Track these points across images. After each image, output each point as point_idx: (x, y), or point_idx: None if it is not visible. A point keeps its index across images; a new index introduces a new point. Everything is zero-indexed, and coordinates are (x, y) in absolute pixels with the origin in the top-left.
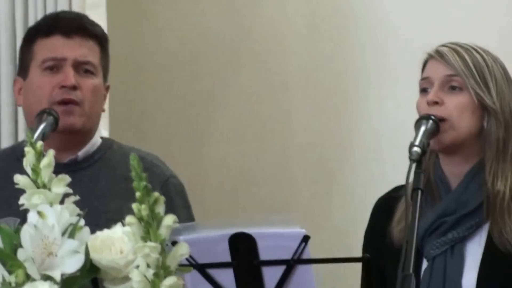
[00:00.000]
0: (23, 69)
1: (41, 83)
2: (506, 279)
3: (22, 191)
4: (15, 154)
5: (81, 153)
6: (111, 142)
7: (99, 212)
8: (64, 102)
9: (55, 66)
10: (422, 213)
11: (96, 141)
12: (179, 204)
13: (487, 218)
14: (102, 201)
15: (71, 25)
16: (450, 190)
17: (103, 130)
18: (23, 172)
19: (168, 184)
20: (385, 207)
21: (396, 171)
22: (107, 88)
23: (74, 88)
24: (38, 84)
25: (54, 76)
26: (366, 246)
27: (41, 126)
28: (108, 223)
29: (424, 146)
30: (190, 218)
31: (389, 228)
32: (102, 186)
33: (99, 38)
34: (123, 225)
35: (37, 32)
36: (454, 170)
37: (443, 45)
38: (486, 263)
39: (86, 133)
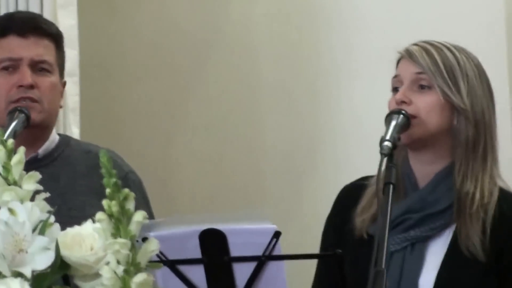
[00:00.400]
0: None
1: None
2: (465, 282)
3: None
4: None
5: (41, 151)
6: (68, 138)
7: (61, 210)
8: (21, 100)
9: (11, 66)
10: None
11: (54, 138)
12: (138, 199)
13: (455, 220)
14: (64, 198)
15: (26, 25)
16: (416, 188)
17: (73, 128)
18: None
19: (127, 179)
20: (350, 194)
21: (366, 168)
22: (64, 84)
23: (31, 87)
24: None
25: (11, 76)
26: (327, 231)
27: (13, 124)
28: (71, 221)
29: (395, 140)
30: (149, 213)
31: (352, 215)
32: (64, 184)
33: (54, 36)
34: (92, 222)
35: None
36: (423, 169)
37: (415, 44)
38: (447, 265)
39: (45, 129)
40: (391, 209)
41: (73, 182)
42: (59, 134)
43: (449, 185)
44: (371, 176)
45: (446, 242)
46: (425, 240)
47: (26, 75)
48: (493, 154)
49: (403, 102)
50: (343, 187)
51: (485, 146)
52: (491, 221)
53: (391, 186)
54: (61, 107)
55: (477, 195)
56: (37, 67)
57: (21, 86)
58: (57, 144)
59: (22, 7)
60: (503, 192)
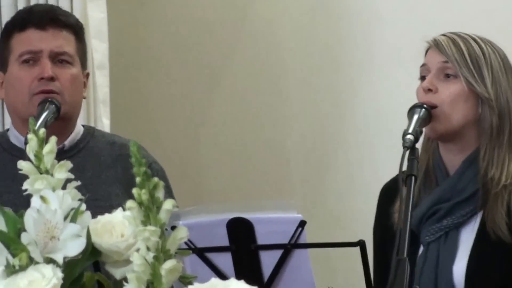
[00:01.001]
0: (3, 63)
1: (20, 76)
2: (494, 267)
3: (10, 181)
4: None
5: (67, 142)
6: (92, 130)
7: (88, 200)
8: (44, 92)
9: (32, 59)
10: (421, 198)
11: (79, 129)
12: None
13: (482, 206)
14: (90, 188)
15: (44, 17)
16: (448, 177)
17: (104, 119)
18: (9, 161)
19: (151, 169)
20: (389, 191)
21: (388, 161)
22: (87, 76)
23: (52, 79)
24: (17, 77)
25: (31, 69)
26: (375, 231)
27: (44, 114)
28: (97, 210)
29: (417, 134)
30: None
31: (392, 211)
32: (89, 174)
33: (73, 27)
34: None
35: (13, 27)
36: (452, 158)
37: (443, 34)
38: (476, 251)
39: (68, 120)
40: (413, 200)
41: (98, 173)
42: (83, 126)
43: (475, 171)
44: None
45: (474, 228)
46: (457, 227)
47: (46, 68)
48: None
49: (429, 90)
50: (382, 186)
51: (510, 133)
52: None
53: (413, 178)
54: (84, 97)
55: (502, 180)
56: (57, 58)
57: (42, 78)
58: (82, 135)
59: (52, 1)
60: None
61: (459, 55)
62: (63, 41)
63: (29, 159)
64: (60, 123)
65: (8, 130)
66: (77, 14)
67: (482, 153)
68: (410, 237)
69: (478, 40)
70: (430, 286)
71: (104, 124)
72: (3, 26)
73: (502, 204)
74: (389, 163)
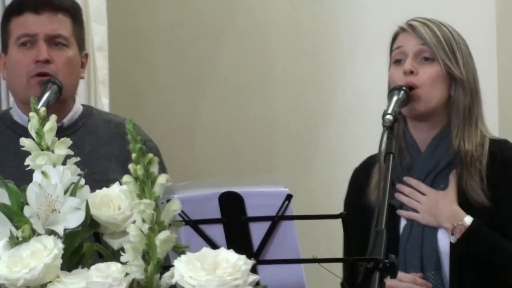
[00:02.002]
0: (4, 46)
1: (18, 58)
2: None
3: (12, 156)
4: (3, 122)
5: (66, 120)
6: (90, 109)
7: (86, 174)
8: (40, 75)
9: (28, 41)
10: (397, 175)
11: (78, 108)
12: None
13: (459, 177)
14: (88, 164)
15: (40, 1)
16: (420, 153)
17: (103, 99)
18: (10, 138)
19: (146, 147)
20: (361, 174)
21: (367, 140)
22: (86, 56)
23: (47, 61)
24: (15, 59)
25: (28, 51)
26: (346, 210)
27: (46, 94)
28: (94, 184)
29: (395, 114)
30: None
31: (367, 191)
32: (87, 150)
33: (69, 10)
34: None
35: (11, 11)
36: (422, 135)
37: (414, 20)
38: None
39: (63, 101)
40: (391, 176)
41: (96, 149)
42: (82, 105)
43: (445, 146)
44: (376, 154)
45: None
46: None
47: (42, 51)
48: (482, 116)
49: (411, 72)
50: (354, 170)
51: (477, 112)
52: (485, 170)
53: (391, 156)
54: (82, 78)
55: (474, 153)
56: (53, 41)
57: (38, 61)
58: (81, 114)
59: None
60: (493, 141)
61: (435, 39)
62: (58, 24)
63: (31, 137)
64: (56, 103)
65: (11, 108)
66: None
67: (455, 132)
68: (388, 211)
69: (447, 25)
70: (416, 253)
71: (104, 103)
72: None
73: (476, 173)
74: (370, 146)
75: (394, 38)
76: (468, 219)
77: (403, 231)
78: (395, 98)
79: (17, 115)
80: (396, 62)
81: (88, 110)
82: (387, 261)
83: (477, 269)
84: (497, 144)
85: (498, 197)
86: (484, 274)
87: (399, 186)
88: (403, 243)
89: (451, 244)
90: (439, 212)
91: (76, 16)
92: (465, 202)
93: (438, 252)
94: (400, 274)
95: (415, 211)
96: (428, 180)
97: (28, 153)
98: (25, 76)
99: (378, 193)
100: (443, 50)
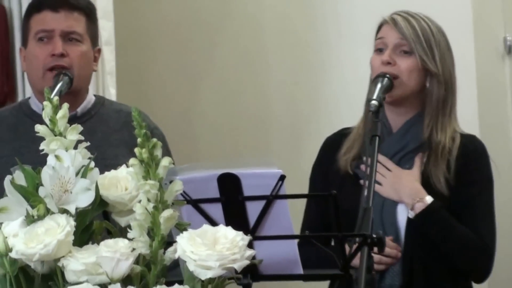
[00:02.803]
0: (24, 40)
1: (36, 52)
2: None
3: (30, 142)
4: (22, 111)
5: (79, 109)
6: (103, 99)
7: (97, 159)
8: (55, 68)
9: (46, 36)
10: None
11: (90, 98)
12: (162, 151)
13: (426, 163)
14: (99, 150)
15: (57, 1)
16: (391, 133)
17: (111, 89)
18: (30, 125)
19: (153, 134)
20: (332, 142)
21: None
22: (98, 52)
23: (62, 55)
24: (33, 53)
25: (45, 46)
26: (314, 178)
27: (59, 85)
28: (105, 169)
29: (380, 100)
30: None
31: (337, 158)
32: (99, 138)
33: (84, 9)
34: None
35: (32, 9)
36: (396, 119)
37: (397, 13)
38: None
39: (77, 92)
40: (361, 149)
41: (107, 136)
42: (95, 95)
43: (416, 131)
44: (350, 127)
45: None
46: None
47: (58, 45)
48: (455, 110)
49: (389, 63)
50: (325, 139)
51: (451, 104)
52: (455, 160)
53: (377, 138)
54: (95, 71)
55: (444, 142)
56: (68, 37)
57: (53, 55)
58: (93, 104)
59: None
60: (463, 136)
61: (414, 35)
62: (74, 22)
63: (45, 124)
64: (70, 93)
65: (29, 98)
66: None
67: (428, 121)
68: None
69: (426, 20)
70: (378, 228)
71: (111, 93)
72: None
73: (443, 162)
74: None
75: (379, 28)
76: (429, 198)
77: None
78: (379, 85)
79: (35, 104)
80: (378, 50)
81: (100, 100)
82: (374, 236)
83: (428, 249)
84: (467, 138)
85: (459, 187)
86: (432, 256)
87: (367, 160)
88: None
89: (409, 219)
90: (401, 187)
91: (90, 15)
92: (425, 186)
93: (397, 225)
94: None
95: (379, 184)
96: (395, 160)
97: (43, 139)
98: (42, 69)
99: (365, 172)
100: (421, 45)
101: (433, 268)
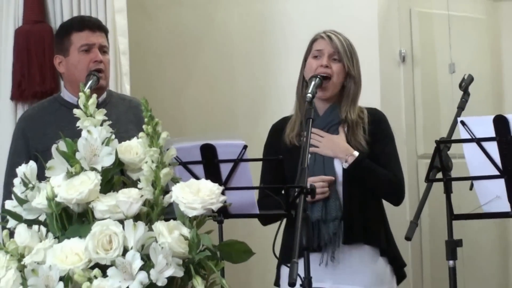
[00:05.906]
0: (63, 50)
1: (81, 59)
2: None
3: (67, 122)
4: (58, 102)
5: (100, 99)
6: (111, 92)
7: (115, 132)
8: (97, 71)
9: (87, 49)
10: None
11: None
12: None
13: (348, 134)
14: (115, 126)
15: (95, 24)
16: (318, 115)
17: (126, 85)
18: (65, 111)
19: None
20: (278, 127)
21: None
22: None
23: (101, 62)
24: (78, 60)
25: (88, 55)
26: (266, 152)
27: (90, 82)
28: (120, 140)
29: (313, 93)
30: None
31: (283, 136)
32: (114, 118)
33: (106, 31)
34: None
35: (72, 28)
36: (321, 105)
37: (330, 32)
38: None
39: (102, 87)
40: (310, 132)
41: (119, 117)
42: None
43: (336, 113)
44: (288, 116)
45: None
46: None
47: (98, 55)
48: (359, 97)
49: (326, 66)
50: (272, 125)
51: (358, 95)
52: (368, 125)
53: (311, 120)
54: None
55: (357, 118)
56: (102, 49)
57: (96, 61)
58: (107, 95)
59: (93, 13)
60: (368, 109)
61: (342, 48)
62: (104, 39)
63: (80, 108)
64: (96, 88)
65: (60, 92)
66: (109, 21)
67: (344, 107)
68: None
69: (345, 37)
70: (321, 174)
71: (126, 88)
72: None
73: (360, 128)
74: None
75: (314, 40)
76: (356, 152)
77: (310, 161)
78: (313, 83)
79: (68, 96)
80: (315, 57)
81: (110, 93)
82: (309, 187)
83: (359, 187)
84: (372, 110)
85: (374, 142)
86: (363, 192)
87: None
88: (311, 168)
89: (344, 170)
90: (335, 146)
91: (107, 34)
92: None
93: (335, 174)
94: (310, 178)
95: (317, 147)
96: (324, 130)
97: (77, 120)
98: (86, 71)
99: (303, 142)
100: (346, 55)
101: (365, 200)
